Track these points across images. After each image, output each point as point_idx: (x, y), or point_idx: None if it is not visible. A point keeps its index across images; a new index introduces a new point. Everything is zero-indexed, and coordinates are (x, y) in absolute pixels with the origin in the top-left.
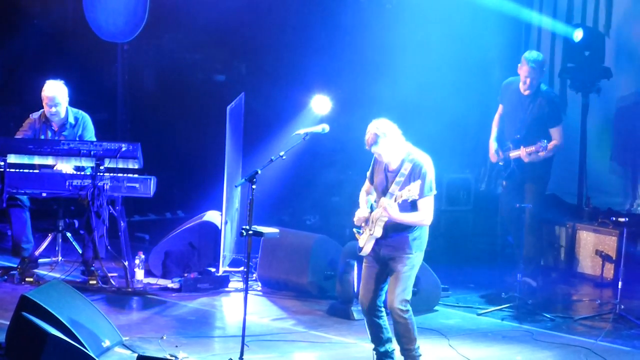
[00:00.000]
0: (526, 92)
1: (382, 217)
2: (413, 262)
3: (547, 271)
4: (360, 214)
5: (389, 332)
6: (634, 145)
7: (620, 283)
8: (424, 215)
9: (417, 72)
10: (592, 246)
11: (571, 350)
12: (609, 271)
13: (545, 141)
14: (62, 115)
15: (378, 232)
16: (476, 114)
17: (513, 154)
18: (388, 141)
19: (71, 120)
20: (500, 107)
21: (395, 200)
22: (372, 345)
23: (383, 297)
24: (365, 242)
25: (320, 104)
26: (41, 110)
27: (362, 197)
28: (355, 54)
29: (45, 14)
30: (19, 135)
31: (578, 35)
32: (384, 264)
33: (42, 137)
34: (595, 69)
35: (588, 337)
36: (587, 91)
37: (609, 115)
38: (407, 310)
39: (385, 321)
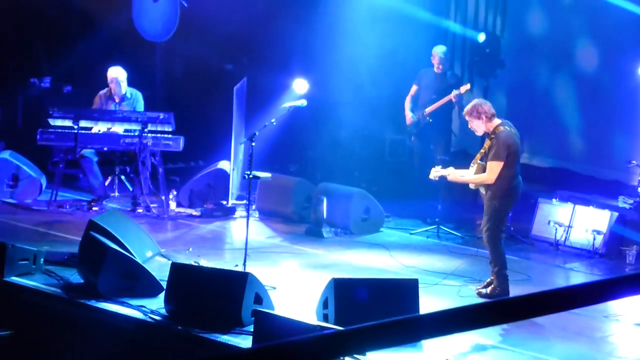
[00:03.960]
0: (439, 71)
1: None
2: (492, 207)
3: (459, 203)
4: None
5: None
6: (523, 116)
7: (510, 212)
8: (486, 176)
9: (366, 61)
10: None
11: (476, 259)
12: None
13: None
14: (123, 91)
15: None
16: (404, 93)
17: (430, 108)
18: (473, 118)
19: (128, 95)
20: (414, 87)
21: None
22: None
23: None
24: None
25: (300, 85)
26: (107, 88)
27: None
28: (326, 47)
29: (108, 24)
30: (94, 107)
31: (481, 37)
32: None
33: (106, 108)
34: (493, 61)
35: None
36: (487, 77)
37: (504, 93)
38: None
39: None
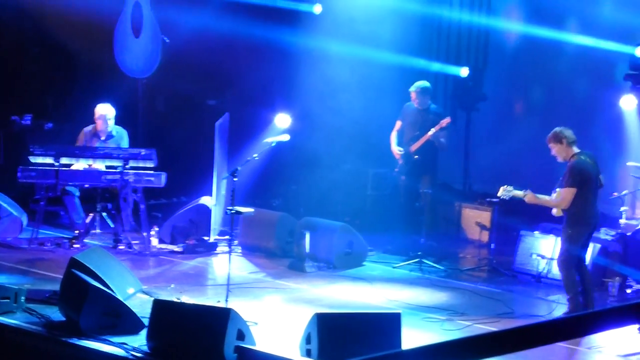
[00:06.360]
0: (420, 107)
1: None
2: (566, 234)
3: (442, 236)
4: None
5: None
6: (505, 148)
7: (493, 245)
8: (558, 201)
9: (349, 96)
10: (473, 219)
11: (459, 292)
12: (485, 236)
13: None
14: (110, 129)
15: (554, 211)
16: (387, 128)
17: (415, 145)
18: (554, 144)
19: (114, 133)
20: (399, 122)
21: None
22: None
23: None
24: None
25: (283, 120)
26: (92, 125)
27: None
28: (308, 82)
29: (90, 60)
30: (78, 144)
31: (464, 72)
32: None
33: (90, 145)
34: (476, 94)
35: (471, 282)
36: (469, 110)
37: (486, 126)
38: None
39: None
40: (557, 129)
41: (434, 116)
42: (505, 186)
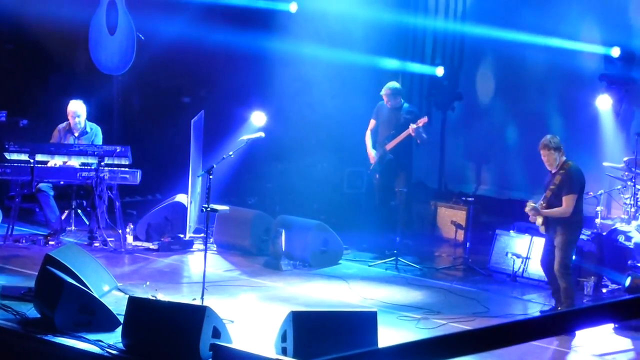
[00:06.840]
0: (392, 107)
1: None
2: (566, 239)
3: (418, 235)
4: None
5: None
6: (480, 148)
7: (468, 243)
8: (564, 209)
9: (323, 94)
10: (449, 217)
11: (434, 291)
12: (461, 235)
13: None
14: (82, 125)
15: (539, 220)
16: (362, 126)
17: (390, 144)
18: (553, 151)
19: (88, 130)
20: (373, 121)
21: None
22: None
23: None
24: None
25: (258, 117)
26: (66, 122)
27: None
28: (284, 80)
29: (65, 57)
30: (52, 141)
31: (440, 71)
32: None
33: (65, 142)
34: (451, 93)
35: (446, 281)
36: (445, 109)
37: (462, 125)
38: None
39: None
40: (553, 137)
41: (408, 114)
42: (530, 202)
